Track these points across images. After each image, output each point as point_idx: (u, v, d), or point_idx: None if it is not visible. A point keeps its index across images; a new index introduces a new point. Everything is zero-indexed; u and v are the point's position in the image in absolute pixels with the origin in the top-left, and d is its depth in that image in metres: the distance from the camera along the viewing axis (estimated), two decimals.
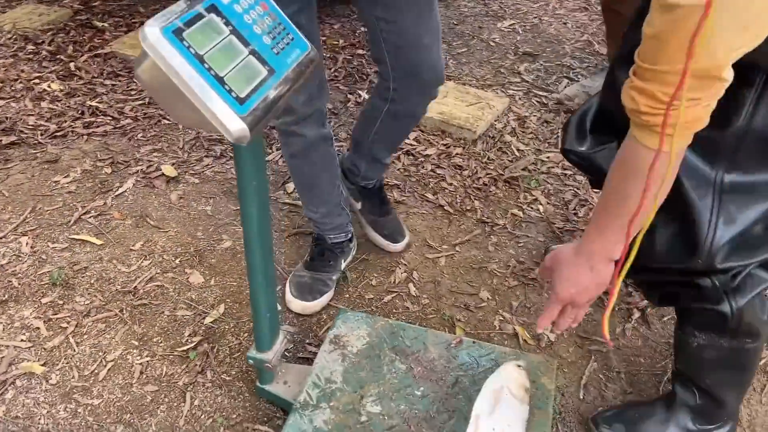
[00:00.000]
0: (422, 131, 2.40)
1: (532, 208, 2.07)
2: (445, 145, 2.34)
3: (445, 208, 2.05)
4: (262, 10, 1.01)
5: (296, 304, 1.66)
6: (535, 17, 3.29)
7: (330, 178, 1.64)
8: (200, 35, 0.89)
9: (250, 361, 1.33)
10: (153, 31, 0.83)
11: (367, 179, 1.80)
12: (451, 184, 2.15)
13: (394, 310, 1.69)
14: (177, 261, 1.81)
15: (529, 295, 1.75)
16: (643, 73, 0.82)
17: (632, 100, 0.84)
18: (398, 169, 2.21)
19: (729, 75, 0.79)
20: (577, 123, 1.31)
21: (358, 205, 1.88)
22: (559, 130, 2.42)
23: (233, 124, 0.87)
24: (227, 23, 0.94)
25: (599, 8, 3.32)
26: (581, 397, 1.48)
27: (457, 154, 2.29)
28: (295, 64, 1.02)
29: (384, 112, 1.58)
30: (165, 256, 1.82)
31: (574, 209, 2.05)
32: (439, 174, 2.20)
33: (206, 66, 0.87)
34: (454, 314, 1.68)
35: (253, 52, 0.96)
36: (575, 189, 2.13)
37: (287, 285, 1.71)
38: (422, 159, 2.26)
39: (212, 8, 0.93)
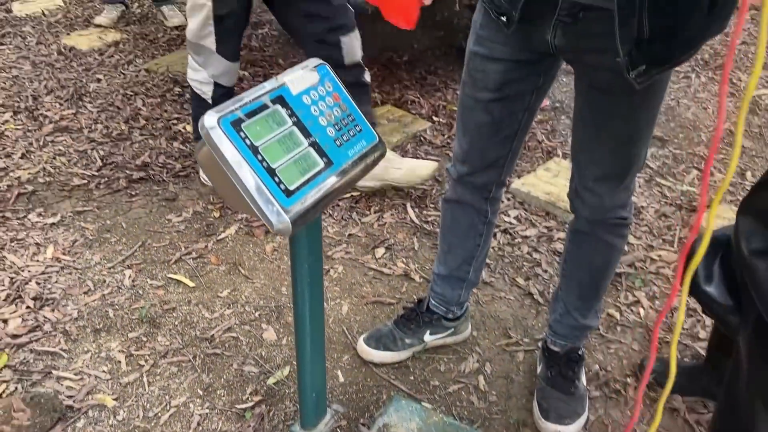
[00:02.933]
0: (525, 209, 2.31)
1: (631, 310, 1.90)
2: (547, 227, 2.23)
3: (534, 296, 1.95)
4: (333, 101, 1.03)
5: (359, 346, 1.72)
6: (673, 99, 3.09)
7: (463, 249, 1.62)
8: (260, 126, 0.91)
9: None
10: (210, 121, 0.87)
11: None
12: (546, 271, 2.04)
13: (457, 403, 1.61)
14: (256, 314, 1.86)
15: (609, 411, 1.60)
16: None
17: None
18: (492, 247, 2.13)
19: None
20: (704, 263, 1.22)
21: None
22: (678, 227, 2.23)
23: (275, 217, 0.88)
24: (292, 114, 0.96)
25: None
26: None
27: (559, 238, 2.17)
28: (356, 156, 1.02)
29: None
30: (247, 308, 1.88)
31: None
32: (534, 258, 2.09)
33: (259, 158, 0.89)
34: (522, 418, 1.57)
35: (313, 144, 0.96)
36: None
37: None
38: (520, 240, 2.18)
39: (279, 99, 0.96)
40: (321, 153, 0.97)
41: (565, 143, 2.73)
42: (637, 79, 1.10)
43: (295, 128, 0.96)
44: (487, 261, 2.07)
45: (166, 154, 2.61)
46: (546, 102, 3.04)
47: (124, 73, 3.29)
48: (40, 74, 3.28)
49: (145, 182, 2.45)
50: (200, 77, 2.22)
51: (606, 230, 1.45)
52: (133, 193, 2.38)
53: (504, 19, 1.21)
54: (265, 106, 0.93)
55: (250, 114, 0.91)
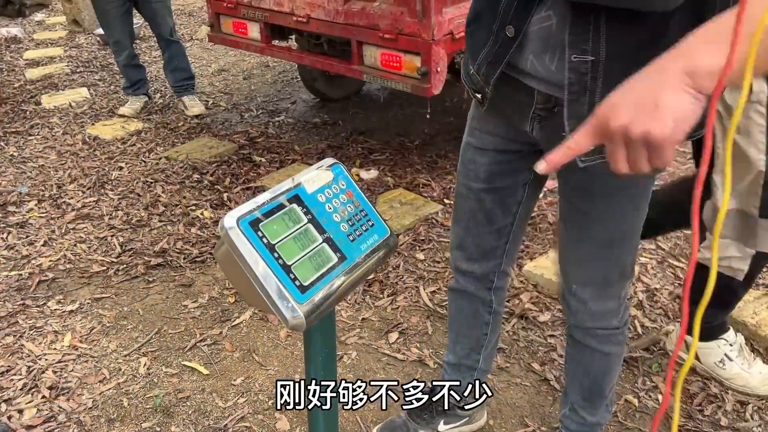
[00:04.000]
0: (539, 292, 2.32)
1: (650, 396, 1.87)
2: (561, 310, 2.23)
3: (551, 382, 1.92)
4: (347, 198, 1.07)
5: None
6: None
7: (469, 339, 1.62)
8: (276, 225, 0.95)
9: None
10: (230, 222, 0.91)
11: None
12: (562, 356, 2.02)
13: None
14: (270, 402, 1.85)
15: None
16: None
17: None
18: (506, 332, 2.13)
19: None
20: None
21: None
22: None
23: (289, 313, 0.90)
24: (307, 212, 1.00)
25: None
26: None
27: None
28: (369, 250, 1.05)
29: None
30: (260, 396, 1.87)
31: (700, 405, 1.83)
32: (550, 343, 2.08)
33: (275, 255, 0.92)
34: None
35: (327, 240, 1.00)
36: (704, 381, 1.91)
37: None
38: (534, 324, 2.17)
39: (295, 198, 1.00)
40: (335, 248, 1.01)
41: None
42: (581, 158, 1.09)
43: (310, 225, 1.00)
44: (502, 346, 2.06)
45: (184, 240, 2.67)
46: (554, 183, 3.10)
47: (145, 161, 3.41)
48: (64, 163, 3.42)
49: (163, 268, 2.49)
50: None
51: (598, 341, 1.43)
52: (150, 279, 2.42)
53: (479, 96, 1.26)
54: (282, 206, 0.98)
55: (268, 214, 0.95)
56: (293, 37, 3.49)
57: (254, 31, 3.38)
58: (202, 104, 4.16)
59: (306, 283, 0.94)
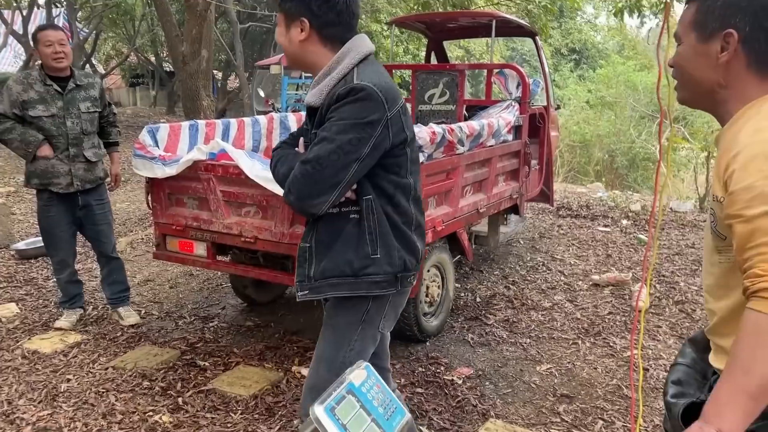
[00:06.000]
0: None
1: None
2: None
3: None
4: (377, 389, 1.54)
5: None
6: (569, 362, 3.81)
7: None
8: (344, 411, 1.40)
9: None
10: (320, 410, 1.35)
11: None
12: None
13: None
14: None
15: None
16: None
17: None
18: None
19: None
20: None
21: None
22: None
23: None
24: (358, 400, 1.46)
25: (625, 354, 3.84)
26: None
27: None
28: (398, 427, 1.51)
29: None
30: None
31: None
32: None
33: None
34: None
35: (373, 420, 1.45)
36: None
37: None
38: None
39: (350, 391, 1.47)
40: (378, 425, 1.46)
41: (495, 405, 3.27)
42: (299, 294, 2.02)
43: (361, 410, 1.45)
44: None
45: None
46: (470, 370, 3.65)
47: (92, 372, 3.59)
48: (6, 379, 3.50)
49: None
50: None
51: None
52: None
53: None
54: (344, 396, 1.43)
55: (338, 402, 1.41)
56: (232, 251, 4.00)
57: (200, 249, 3.85)
58: (136, 314, 4.43)
59: None
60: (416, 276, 2.12)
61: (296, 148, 2.11)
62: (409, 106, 6.11)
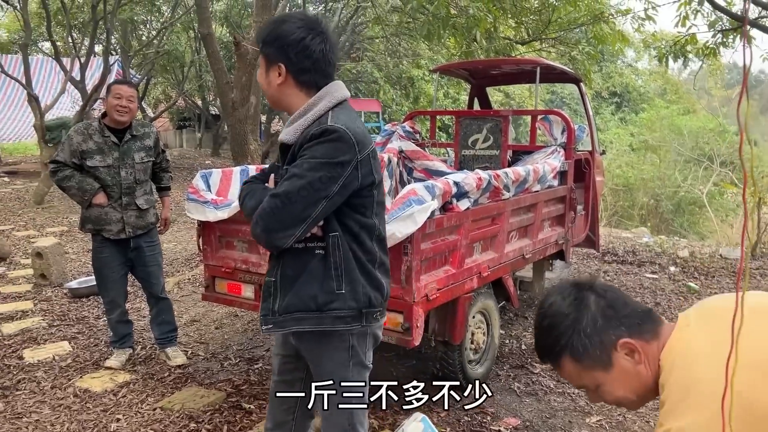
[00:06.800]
0: None
1: None
2: None
3: None
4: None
5: None
6: (620, 414, 3.70)
7: None
8: None
9: None
10: None
11: None
12: None
13: None
14: None
15: None
16: None
17: None
18: None
19: None
20: None
21: None
22: None
23: None
24: None
25: None
26: None
27: None
28: None
29: None
30: None
31: None
32: None
33: None
34: None
35: None
36: None
37: None
38: None
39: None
40: None
41: None
42: (263, 328, 2.06)
43: None
44: None
45: None
46: (517, 421, 3.57)
47: (140, 412, 3.64)
48: (59, 417, 3.58)
49: None
50: None
51: None
52: None
53: None
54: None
55: None
56: None
57: (248, 291, 3.92)
58: (183, 354, 4.49)
59: None
60: (384, 313, 2.17)
61: (266, 184, 2.18)
62: (451, 151, 6.17)
